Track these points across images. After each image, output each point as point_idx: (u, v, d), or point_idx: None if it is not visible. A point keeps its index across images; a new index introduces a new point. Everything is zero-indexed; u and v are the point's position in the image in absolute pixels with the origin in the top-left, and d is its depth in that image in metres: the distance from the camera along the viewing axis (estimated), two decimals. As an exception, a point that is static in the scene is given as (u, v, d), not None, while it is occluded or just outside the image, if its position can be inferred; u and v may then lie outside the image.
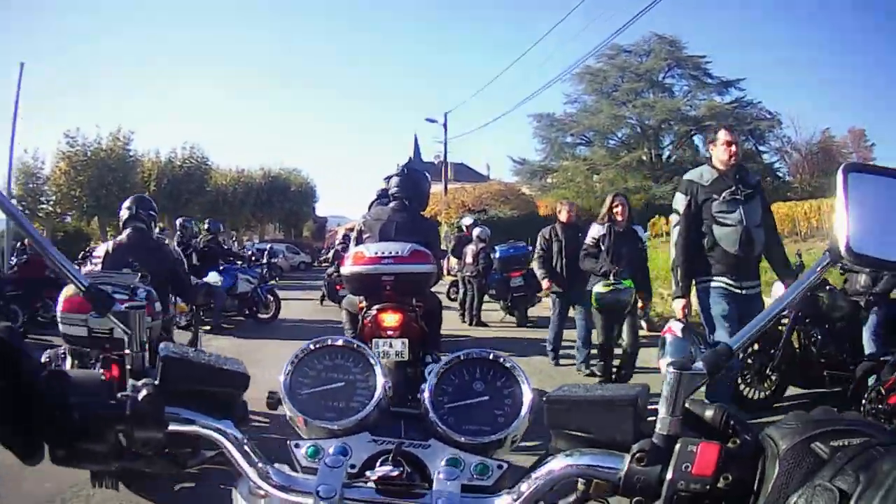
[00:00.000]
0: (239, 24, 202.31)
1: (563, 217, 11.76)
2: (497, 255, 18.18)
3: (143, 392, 1.18)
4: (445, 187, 48.20)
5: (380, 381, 1.43)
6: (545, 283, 11.67)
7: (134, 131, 44.20)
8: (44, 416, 1.12)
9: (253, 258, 20.01)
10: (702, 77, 52.17)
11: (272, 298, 17.84)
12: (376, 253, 6.57)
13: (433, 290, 7.63)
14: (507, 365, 1.44)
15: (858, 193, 1.12)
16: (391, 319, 6.57)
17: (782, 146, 50.48)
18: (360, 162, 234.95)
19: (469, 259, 18.18)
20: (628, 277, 9.24)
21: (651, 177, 49.07)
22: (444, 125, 48.65)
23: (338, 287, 17.56)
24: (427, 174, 8.40)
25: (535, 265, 12.07)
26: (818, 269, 1.18)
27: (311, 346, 1.48)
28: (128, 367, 1.27)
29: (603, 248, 9.46)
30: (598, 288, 9.23)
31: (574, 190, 48.99)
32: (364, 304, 6.89)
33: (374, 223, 7.38)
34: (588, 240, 9.70)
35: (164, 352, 1.27)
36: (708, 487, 1.02)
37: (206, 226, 18.15)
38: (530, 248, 17.33)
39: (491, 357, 1.45)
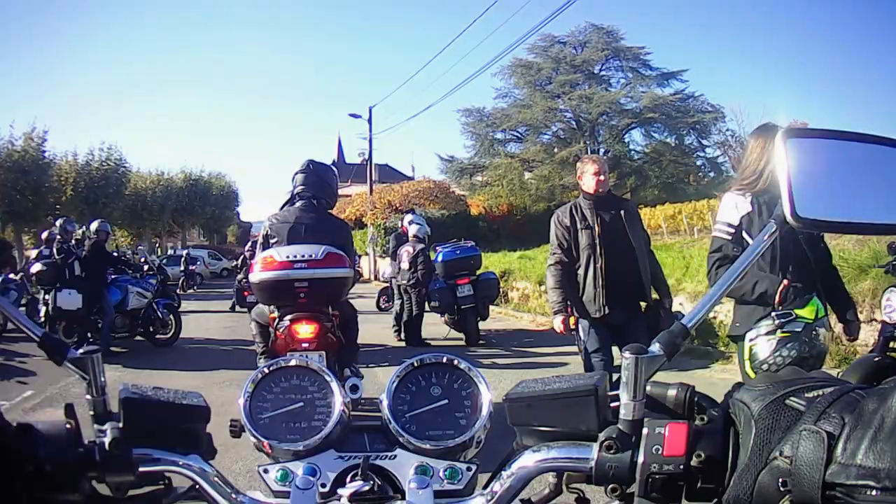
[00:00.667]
0: (161, 17, 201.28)
1: (589, 181, 6.75)
2: (439, 257, 15.17)
3: (109, 437, 1.17)
4: (371, 186, 47.33)
5: (338, 397, 1.43)
6: (559, 321, 6.72)
7: (48, 130, 42.03)
8: (17, 472, 1.10)
9: (148, 267, 17.01)
10: (640, 69, 51.79)
11: (171, 316, 15.44)
12: (288, 257, 6.34)
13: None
14: (462, 367, 1.45)
15: (798, 158, 1.15)
16: (306, 330, 6.45)
17: (726, 140, 49.18)
18: (285, 165, 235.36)
19: (405, 263, 14.89)
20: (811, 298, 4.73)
21: None
22: (369, 120, 47.39)
23: (245, 293, 17.54)
24: (333, 168, 8.12)
25: (548, 280, 6.90)
26: (765, 237, 1.21)
27: (266, 370, 1.47)
28: (90, 412, 1.23)
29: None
30: (764, 341, 4.69)
31: (507, 188, 49.02)
32: (276, 314, 6.73)
33: (281, 226, 7.05)
34: (723, 227, 4.83)
35: (124, 393, 1.25)
36: (682, 467, 1.05)
37: (92, 227, 15.05)
38: (478, 248, 16.07)
39: (445, 360, 1.46)
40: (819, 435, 0.92)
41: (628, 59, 51.43)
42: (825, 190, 1.16)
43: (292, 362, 1.49)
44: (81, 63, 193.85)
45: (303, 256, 6.35)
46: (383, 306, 19.91)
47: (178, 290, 31.34)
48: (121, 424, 1.20)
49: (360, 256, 37.23)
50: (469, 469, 1.33)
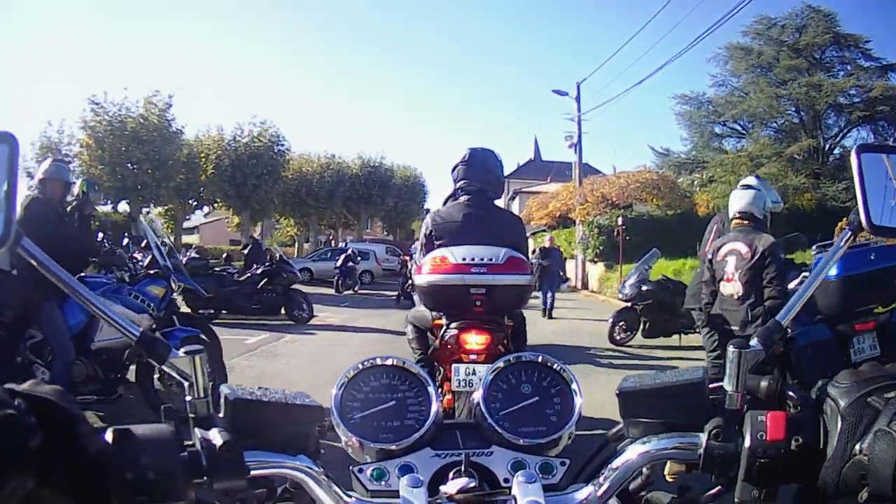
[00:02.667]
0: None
1: None
2: (832, 270, 7.25)
3: (220, 440, 1.18)
4: (580, 177, 42.23)
5: (434, 395, 1.50)
6: None
7: (173, 94, 38.18)
8: (115, 481, 1.08)
9: (150, 259, 9.22)
10: (859, 59, 46.20)
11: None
12: (464, 259, 5.76)
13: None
14: (555, 367, 1.56)
15: (872, 171, 1.32)
16: (477, 341, 5.91)
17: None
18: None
19: (734, 284, 7.49)
20: None
21: (817, 172, 43.66)
22: (577, 97, 41.75)
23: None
24: (496, 153, 7.03)
25: None
26: (842, 242, 1.38)
27: (359, 367, 1.54)
28: (191, 415, 1.28)
29: None
30: None
31: (735, 186, 42.15)
32: (442, 320, 6.11)
33: (447, 224, 6.55)
34: None
35: (232, 395, 1.28)
36: (783, 451, 1.17)
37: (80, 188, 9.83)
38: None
39: (539, 360, 1.57)
40: (891, 435, 1.04)
41: (849, 46, 45.94)
42: None
43: (388, 361, 1.55)
44: (236, 35, 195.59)
45: (482, 260, 5.72)
46: (618, 337, 16.09)
47: (336, 290, 32.84)
48: (227, 427, 1.21)
49: (565, 259, 33.43)
50: (563, 464, 1.40)
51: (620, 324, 15.99)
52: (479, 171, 6.78)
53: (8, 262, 7.28)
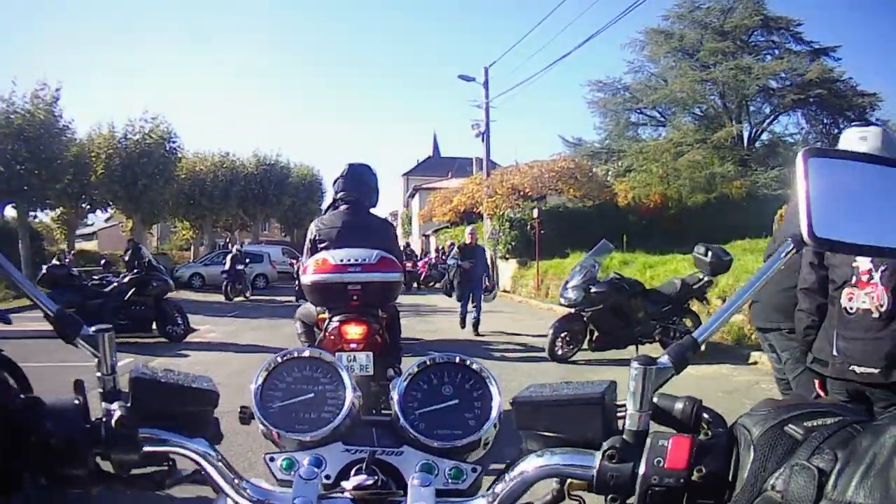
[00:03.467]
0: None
1: None
2: None
3: (117, 415, 1.23)
4: (487, 168, 39.79)
5: (349, 390, 1.50)
6: None
7: (61, 87, 34.52)
8: (22, 444, 1.18)
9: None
10: (789, 43, 45.63)
11: None
12: (342, 260, 6.55)
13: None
14: (475, 368, 1.52)
15: (819, 178, 1.20)
16: (355, 331, 6.67)
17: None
18: (375, 158, 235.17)
19: None
20: None
21: (745, 159, 42.62)
22: (485, 83, 39.27)
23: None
24: (371, 167, 8.20)
25: None
26: (782, 255, 1.25)
27: (279, 360, 1.54)
28: (99, 389, 1.30)
29: None
30: None
31: (656, 174, 42.16)
32: (325, 315, 6.94)
33: (329, 230, 7.50)
34: None
35: (135, 373, 1.32)
36: (682, 481, 1.09)
37: None
38: None
39: (458, 361, 1.53)
40: (810, 471, 0.96)
41: (779, 29, 45.36)
42: (844, 211, 1.20)
43: (306, 353, 1.56)
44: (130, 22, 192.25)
45: (357, 260, 6.56)
46: (560, 352, 13.66)
47: (225, 297, 30.69)
48: (128, 403, 1.27)
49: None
50: (474, 470, 1.39)
51: (563, 335, 13.44)
52: (357, 183, 7.71)
53: None
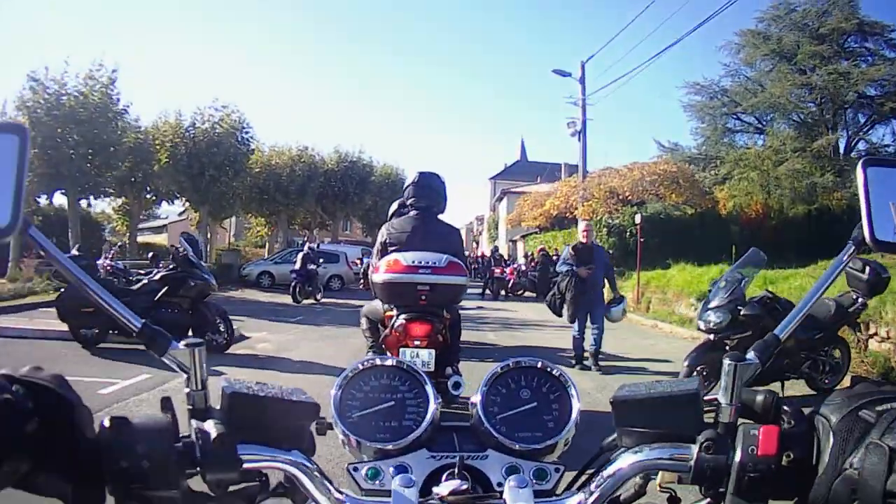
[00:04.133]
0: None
1: None
2: None
3: (214, 432, 1.21)
4: (584, 169, 36.99)
5: (431, 398, 1.53)
6: None
7: (118, 69, 31.60)
8: (110, 467, 1.13)
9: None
10: (882, 49, 41.80)
11: None
12: (413, 262, 7.22)
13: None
14: (554, 373, 1.58)
15: (877, 185, 1.29)
16: (420, 329, 7.26)
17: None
18: (460, 162, 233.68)
19: None
20: None
21: (843, 169, 38.65)
22: (581, 79, 36.59)
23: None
24: (440, 176, 8.60)
25: None
26: (845, 257, 1.35)
27: (359, 367, 1.58)
28: (188, 406, 1.29)
29: None
30: None
31: (758, 182, 38.88)
32: (392, 312, 7.52)
33: (399, 234, 7.93)
34: None
35: (230, 388, 1.31)
36: (773, 466, 1.17)
37: None
38: None
39: (539, 365, 1.59)
40: (882, 449, 1.05)
41: (873, 34, 41.84)
42: None
43: (388, 361, 1.59)
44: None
45: (427, 263, 7.21)
46: None
47: (293, 299, 27.95)
48: (223, 419, 1.24)
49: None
50: (557, 470, 1.45)
51: (701, 368, 9.94)
52: (426, 190, 8.24)
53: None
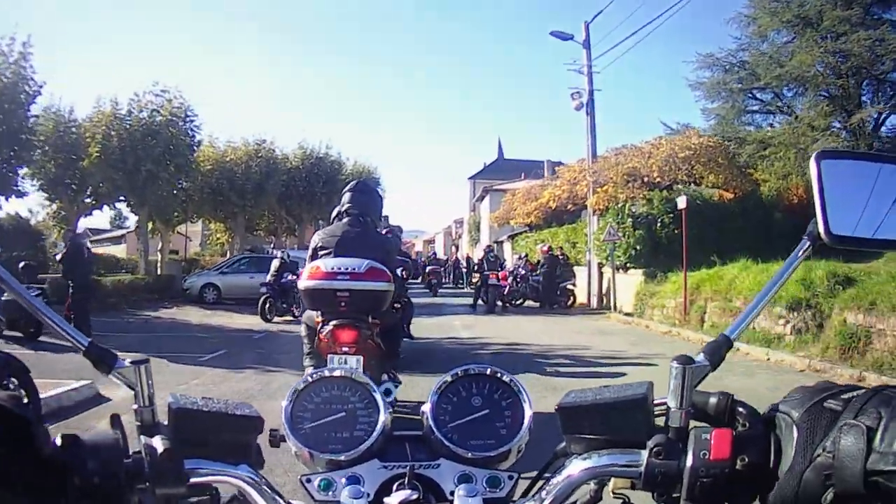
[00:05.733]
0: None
1: None
2: None
3: (160, 448, 1.21)
4: (592, 149, 30.89)
5: (382, 408, 1.51)
6: None
7: (31, 43, 25.65)
8: (64, 485, 1.13)
9: None
10: None
11: None
12: (332, 268, 7.32)
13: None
14: (505, 379, 1.55)
15: (832, 179, 1.30)
16: (346, 336, 7.26)
17: None
18: (433, 168, 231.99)
19: None
20: None
21: (876, 149, 31.18)
22: (586, 42, 31.04)
23: None
24: (378, 191, 9.40)
25: None
26: (800, 253, 1.34)
27: (309, 379, 1.55)
28: (136, 422, 1.29)
29: None
30: None
31: (794, 163, 31.91)
32: (320, 318, 7.50)
33: (329, 238, 8.01)
34: None
35: (175, 404, 1.31)
36: (727, 471, 1.14)
37: None
38: None
39: (489, 372, 1.56)
40: (859, 427, 1.01)
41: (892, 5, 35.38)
42: (857, 209, 1.28)
43: (336, 373, 1.58)
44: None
45: (346, 269, 7.30)
46: None
47: (262, 317, 23.87)
48: (170, 435, 1.24)
49: (571, 267, 29.57)
50: (510, 477, 1.42)
51: None
52: (363, 196, 8.39)
53: None
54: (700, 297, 19.65)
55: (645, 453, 1.21)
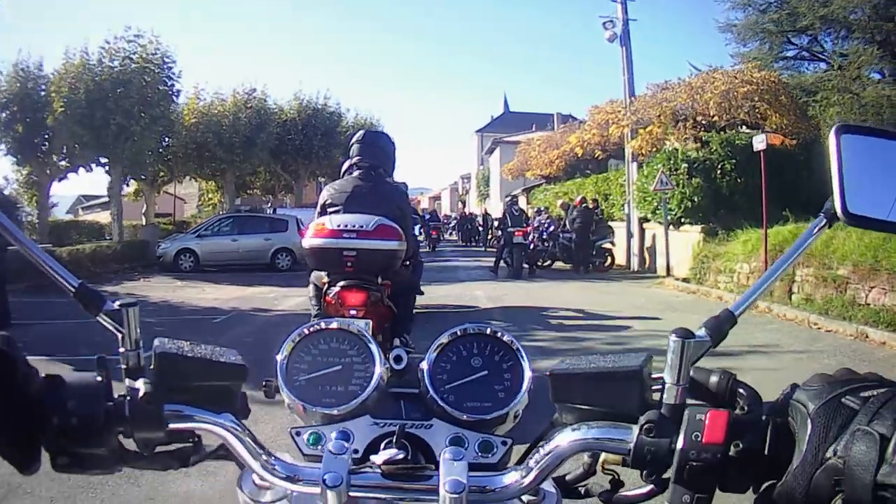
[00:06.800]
0: None
1: None
2: None
3: (141, 391, 1.20)
4: (630, 86, 26.81)
5: (377, 362, 1.46)
6: None
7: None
8: (42, 424, 1.14)
9: None
10: None
11: None
12: (338, 226, 6.66)
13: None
14: (506, 340, 1.48)
15: (851, 154, 1.21)
16: (354, 298, 6.68)
17: None
18: (437, 124, 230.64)
19: None
20: None
21: None
22: None
23: None
24: (389, 136, 8.42)
25: None
26: (815, 229, 1.27)
27: (305, 331, 1.49)
28: (122, 366, 1.28)
29: None
30: None
31: (845, 107, 27.00)
32: (327, 279, 6.98)
33: (339, 194, 7.41)
34: None
35: (160, 348, 1.29)
36: (719, 455, 1.07)
37: None
38: None
39: (489, 332, 1.49)
40: (872, 436, 0.94)
41: None
42: (876, 189, 1.20)
43: (333, 325, 1.51)
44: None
45: (353, 226, 6.61)
46: None
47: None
48: (153, 379, 1.23)
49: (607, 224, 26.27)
50: (504, 443, 1.37)
51: None
52: (372, 149, 7.65)
53: None
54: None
55: (635, 429, 1.14)
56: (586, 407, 1.25)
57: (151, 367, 1.25)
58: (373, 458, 1.26)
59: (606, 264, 24.80)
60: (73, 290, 1.26)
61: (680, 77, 25.97)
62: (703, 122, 22.84)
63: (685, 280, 19.61)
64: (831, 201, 1.18)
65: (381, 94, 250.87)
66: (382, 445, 1.30)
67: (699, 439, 1.06)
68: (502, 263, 23.69)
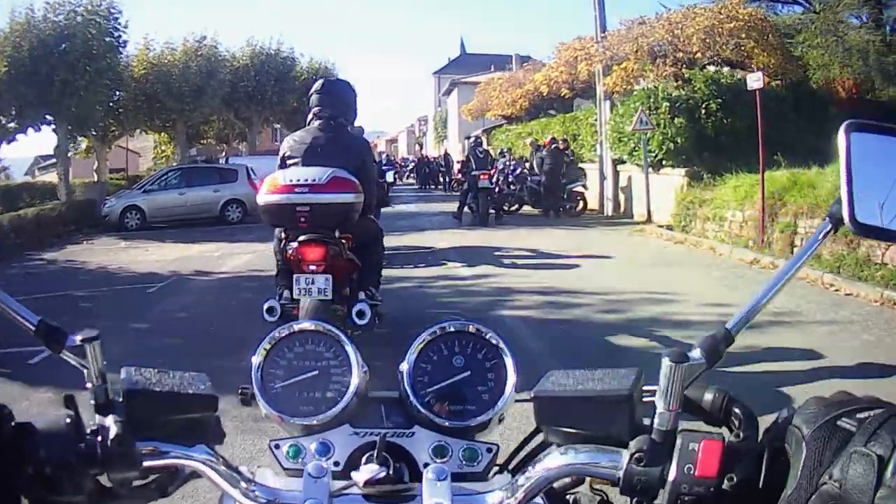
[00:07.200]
0: None
1: None
2: None
3: (112, 432, 1.19)
4: (601, 19, 25.37)
5: (355, 367, 1.43)
6: None
7: None
8: (17, 473, 1.13)
9: None
10: None
11: None
12: (290, 181, 6.54)
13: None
14: (489, 338, 1.46)
15: (862, 155, 1.14)
16: (312, 254, 6.61)
17: None
18: (392, 66, 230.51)
19: None
20: None
21: None
22: None
23: None
24: (350, 84, 8.19)
25: None
26: (820, 235, 1.21)
27: (280, 334, 1.48)
28: (91, 402, 1.27)
29: None
30: None
31: (830, 53, 25.54)
32: (284, 235, 6.93)
33: (298, 146, 7.29)
34: None
35: (127, 384, 1.28)
36: (712, 489, 1.06)
37: None
38: None
39: (471, 329, 1.46)
40: (869, 458, 0.92)
41: None
42: (887, 194, 1.13)
43: (309, 325, 1.48)
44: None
45: (305, 181, 6.48)
46: None
47: None
48: (123, 417, 1.21)
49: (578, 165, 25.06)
50: (489, 450, 1.35)
51: None
52: (332, 97, 7.48)
53: None
54: (785, 211, 14.14)
55: (625, 455, 1.13)
56: (573, 430, 1.21)
57: (120, 399, 1.20)
58: (354, 475, 1.23)
59: (578, 209, 23.66)
60: (32, 328, 1.21)
61: (656, 13, 24.83)
62: (685, 59, 21.63)
63: (669, 227, 18.40)
64: (837, 205, 1.12)
65: (335, 40, 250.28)
66: (364, 460, 1.27)
67: (692, 472, 1.04)
68: (466, 209, 22.39)
